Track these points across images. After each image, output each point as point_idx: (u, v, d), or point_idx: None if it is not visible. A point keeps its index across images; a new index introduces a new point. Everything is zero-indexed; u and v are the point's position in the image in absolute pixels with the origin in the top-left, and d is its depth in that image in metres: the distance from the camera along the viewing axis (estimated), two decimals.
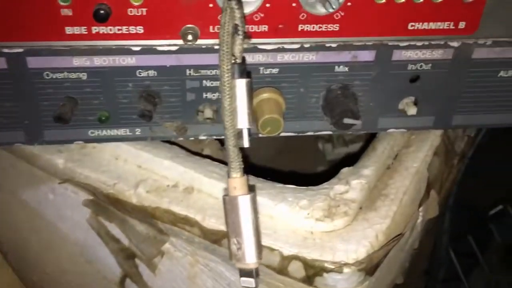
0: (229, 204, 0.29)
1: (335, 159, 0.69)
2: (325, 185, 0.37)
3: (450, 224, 0.64)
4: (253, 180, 0.37)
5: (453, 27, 0.36)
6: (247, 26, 0.34)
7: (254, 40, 0.35)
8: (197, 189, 0.37)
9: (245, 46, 0.29)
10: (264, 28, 0.34)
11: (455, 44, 0.37)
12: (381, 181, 0.39)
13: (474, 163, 0.62)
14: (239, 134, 0.29)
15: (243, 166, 0.29)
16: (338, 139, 0.71)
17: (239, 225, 0.29)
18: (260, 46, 0.35)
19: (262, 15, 0.34)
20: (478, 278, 0.76)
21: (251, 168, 0.61)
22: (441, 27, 0.36)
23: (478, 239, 0.76)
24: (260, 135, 0.36)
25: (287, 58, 0.36)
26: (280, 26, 0.34)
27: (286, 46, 0.35)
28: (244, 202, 0.29)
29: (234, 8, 0.27)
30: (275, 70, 0.36)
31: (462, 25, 0.36)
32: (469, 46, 0.37)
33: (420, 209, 0.39)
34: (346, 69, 0.37)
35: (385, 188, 0.38)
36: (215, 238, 0.36)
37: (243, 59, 0.30)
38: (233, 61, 0.28)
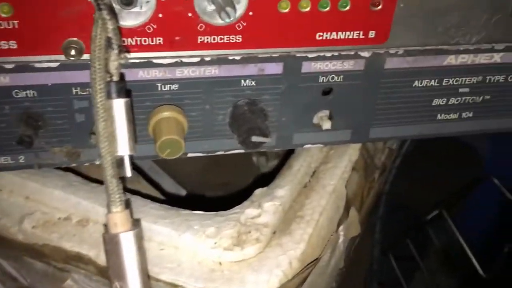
0: (109, 244, 0.25)
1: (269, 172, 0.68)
2: (236, 209, 0.34)
3: (381, 235, 0.63)
4: (156, 207, 0.34)
5: (363, 37, 0.34)
6: (139, 38, 0.30)
7: (148, 54, 0.31)
8: (93, 221, 0.34)
9: (123, 61, 0.26)
10: (159, 40, 0.31)
11: (366, 54, 0.35)
12: (297, 201, 0.36)
13: (402, 172, 0.62)
14: (120, 161, 0.26)
15: (124, 198, 0.26)
16: (271, 152, 0.69)
17: (122, 267, 0.25)
18: (155, 61, 0.32)
19: (155, 26, 0.30)
20: (418, 282, 0.76)
21: (180, 184, 0.58)
22: (350, 37, 0.34)
23: (417, 243, 0.76)
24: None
25: (187, 72, 0.33)
26: (177, 38, 0.31)
27: (185, 60, 0.32)
28: (126, 240, 0.25)
29: (105, 18, 0.24)
30: (174, 86, 0.33)
31: (372, 34, 0.34)
32: (381, 56, 0.35)
33: (340, 228, 0.37)
34: (253, 83, 0.34)
35: (301, 209, 0.35)
36: None
37: (121, 76, 0.26)
38: (108, 79, 0.25)
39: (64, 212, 0.34)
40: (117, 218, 0.25)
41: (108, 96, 0.25)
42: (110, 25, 0.24)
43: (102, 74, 0.24)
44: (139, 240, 0.25)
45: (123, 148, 0.26)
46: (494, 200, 0.72)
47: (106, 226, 0.25)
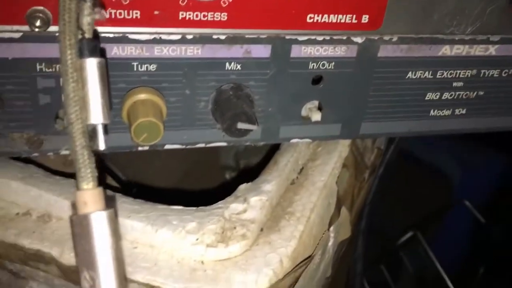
0: (78, 226, 0.21)
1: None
2: (219, 204, 0.31)
3: (363, 250, 0.60)
4: (128, 201, 0.30)
5: (356, 21, 0.32)
6: (113, 10, 0.27)
7: (124, 29, 0.28)
8: (56, 216, 0.30)
9: (98, 17, 0.23)
10: (135, 14, 0.28)
11: (359, 40, 0.33)
12: (284, 197, 0.33)
13: (384, 183, 0.60)
14: (92, 132, 0.22)
15: (96, 174, 0.22)
16: (245, 167, 0.66)
17: (93, 253, 0.21)
18: (131, 36, 0.29)
19: None
20: None
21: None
22: (342, 21, 0.32)
23: (391, 268, 0.74)
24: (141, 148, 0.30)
25: (167, 51, 0.30)
26: (156, 12, 0.28)
27: (164, 37, 0.29)
28: (98, 222, 0.21)
29: None
30: (152, 67, 0.30)
31: (365, 18, 0.32)
32: (374, 42, 0.33)
33: (331, 229, 0.34)
34: (239, 66, 0.31)
35: (290, 206, 0.32)
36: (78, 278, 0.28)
37: (96, 33, 0.23)
38: (80, 36, 0.22)
39: (23, 207, 0.30)
40: (87, 196, 0.21)
41: (80, 55, 0.22)
42: None
43: (72, 28, 0.21)
44: (113, 222, 0.22)
45: (97, 115, 0.22)
46: (465, 222, 0.71)
47: (74, 206, 0.22)
